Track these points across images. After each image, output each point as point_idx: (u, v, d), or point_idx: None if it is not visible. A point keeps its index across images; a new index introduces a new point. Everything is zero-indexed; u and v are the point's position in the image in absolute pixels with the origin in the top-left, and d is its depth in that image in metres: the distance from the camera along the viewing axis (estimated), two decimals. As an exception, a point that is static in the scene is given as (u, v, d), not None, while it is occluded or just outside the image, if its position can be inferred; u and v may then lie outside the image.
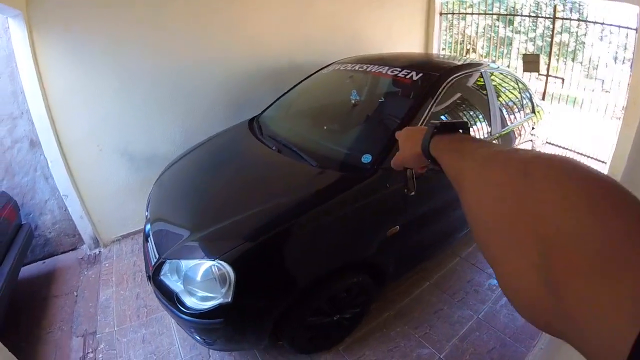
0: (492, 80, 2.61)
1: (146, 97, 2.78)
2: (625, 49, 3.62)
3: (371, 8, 3.89)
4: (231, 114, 3.05)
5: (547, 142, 4.32)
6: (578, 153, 4.22)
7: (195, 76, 2.93)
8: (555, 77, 4.14)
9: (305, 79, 2.68)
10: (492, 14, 4.49)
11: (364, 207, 1.65)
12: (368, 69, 2.40)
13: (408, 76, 2.13)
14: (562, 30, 4.04)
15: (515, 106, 2.91)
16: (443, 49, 4.85)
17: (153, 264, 1.65)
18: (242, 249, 1.47)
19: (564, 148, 4.39)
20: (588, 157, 4.16)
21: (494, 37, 5.11)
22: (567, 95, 4.25)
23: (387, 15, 4.09)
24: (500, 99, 2.71)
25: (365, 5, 3.85)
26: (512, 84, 3.00)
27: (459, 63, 2.34)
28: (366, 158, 1.75)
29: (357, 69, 2.44)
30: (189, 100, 2.97)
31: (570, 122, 4.25)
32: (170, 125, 2.96)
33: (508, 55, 5.19)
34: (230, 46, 3.04)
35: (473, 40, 5.26)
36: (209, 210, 1.79)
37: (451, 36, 4.98)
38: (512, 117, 2.76)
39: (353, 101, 2.24)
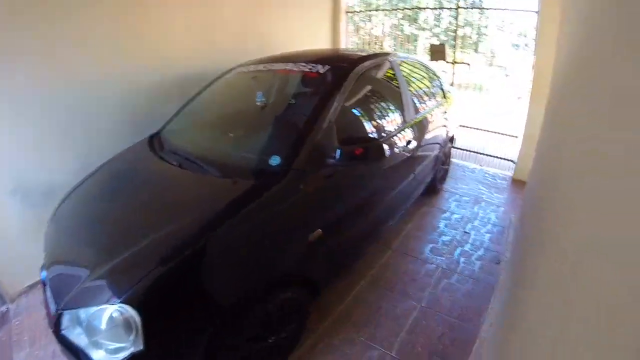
0: (402, 69, 2.64)
1: (38, 124, 2.37)
2: (525, 36, 3.93)
3: (276, 9, 3.84)
4: (138, 131, 2.72)
5: (460, 125, 4.61)
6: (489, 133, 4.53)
7: (93, 95, 2.56)
8: (462, 62, 4.41)
9: (207, 86, 2.49)
10: (397, 10, 4.68)
11: (278, 214, 1.49)
12: (273, 68, 2.28)
13: (314, 70, 2.04)
14: (464, 23, 4.30)
15: (426, 93, 3.00)
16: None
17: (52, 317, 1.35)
18: (146, 283, 1.23)
19: (476, 128, 4.69)
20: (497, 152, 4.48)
21: (400, 35, 5.35)
22: (474, 83, 4.55)
23: (293, 15, 4.07)
24: (412, 87, 2.76)
25: (270, 7, 3.77)
26: (422, 72, 3.09)
27: (367, 54, 2.32)
28: (274, 160, 1.61)
29: (261, 69, 2.31)
30: (89, 122, 2.59)
31: (478, 104, 4.56)
32: (68, 152, 2.56)
33: (415, 52, 5.47)
34: (130, 58, 2.72)
35: (381, 40, 5.51)
36: (108, 243, 1.51)
37: (359, 38, 5.13)
38: (424, 104, 2.82)
39: (259, 103, 2.09)
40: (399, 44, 5.23)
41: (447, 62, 4.41)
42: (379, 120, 2.14)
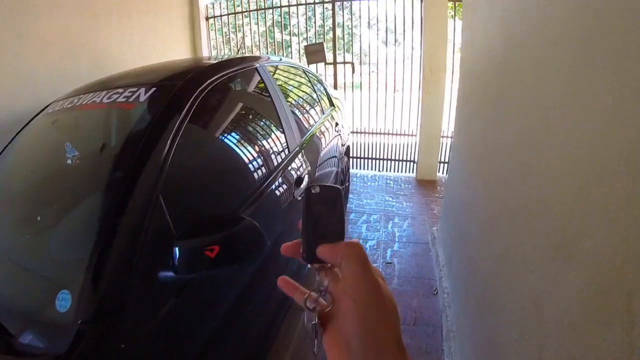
0: (276, 77, 1.98)
1: None
2: (393, 32, 3.79)
3: (115, 18, 2.89)
4: None
5: (352, 132, 4.23)
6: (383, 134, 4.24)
7: None
8: (345, 62, 4.00)
9: (9, 143, 1.43)
10: (261, 10, 4.03)
11: None
12: (79, 103, 1.35)
13: (132, 99, 1.21)
14: (334, 26, 3.92)
15: (310, 104, 2.40)
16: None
17: None
18: None
19: (370, 133, 4.37)
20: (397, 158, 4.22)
21: (271, 42, 4.78)
22: (352, 82, 4.20)
23: (139, 25, 3.13)
24: (291, 99, 2.12)
25: (107, 16, 2.80)
26: (301, 78, 2.48)
27: (217, 61, 1.57)
28: (63, 302, 0.74)
29: (70, 105, 1.36)
30: None
31: (363, 104, 4.22)
32: None
33: (289, 57, 5.01)
34: None
35: (252, 50, 4.87)
36: None
37: (230, 49, 4.41)
38: (310, 118, 2.22)
39: (70, 160, 1.16)
40: (272, 52, 4.63)
41: (328, 63, 3.95)
42: (249, 163, 1.37)
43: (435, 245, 2.46)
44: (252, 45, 4.68)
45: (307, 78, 2.53)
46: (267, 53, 4.62)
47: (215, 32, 4.20)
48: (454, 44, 3.73)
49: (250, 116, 1.59)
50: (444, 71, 3.60)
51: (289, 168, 1.59)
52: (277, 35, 5.78)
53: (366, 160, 4.27)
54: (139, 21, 3.16)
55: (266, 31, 4.66)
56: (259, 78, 1.70)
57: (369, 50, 4.20)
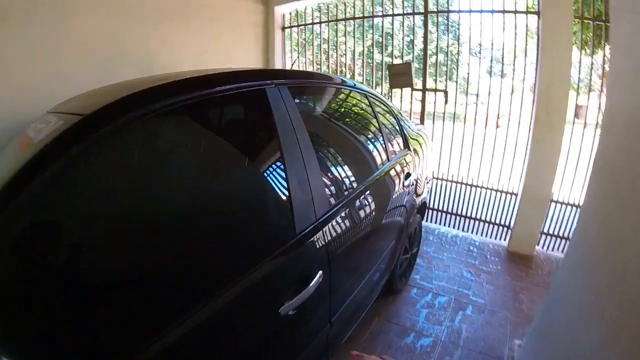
0: (309, 106, 1.46)
1: None
2: (500, 62, 3.03)
3: (170, 27, 2.67)
4: None
5: (435, 177, 3.41)
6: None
7: None
8: (437, 90, 3.25)
9: None
10: (348, 19, 3.51)
11: None
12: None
13: (41, 135, 0.79)
14: (437, 51, 3.22)
15: (366, 147, 1.76)
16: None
17: None
18: None
19: (457, 182, 3.48)
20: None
21: (369, 63, 4.20)
22: (445, 112, 3.42)
23: (200, 33, 2.92)
24: (327, 139, 1.52)
25: (160, 24, 2.59)
26: (362, 109, 1.89)
27: (196, 76, 0.99)
28: None
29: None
30: None
31: (455, 141, 3.40)
32: None
33: (387, 81, 4.39)
34: None
35: (350, 69, 4.38)
36: None
37: (327, 67, 4.02)
38: (363, 167, 1.62)
39: None
40: (369, 73, 4.06)
41: (415, 89, 3.28)
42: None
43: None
44: (350, 64, 4.16)
45: (370, 107, 1.91)
46: (363, 73, 4.11)
47: (291, 42, 3.84)
48: (578, 81, 2.81)
49: (227, 166, 1.01)
50: (564, 114, 2.64)
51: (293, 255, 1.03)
52: (377, 56, 5.20)
53: (448, 215, 3.44)
54: (200, 27, 2.90)
55: (365, 51, 4.17)
56: (265, 106, 1.09)
57: (468, 77, 3.43)
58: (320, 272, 1.10)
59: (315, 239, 1.12)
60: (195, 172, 0.92)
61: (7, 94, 1.83)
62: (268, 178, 1.06)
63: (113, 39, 2.30)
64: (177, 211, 0.84)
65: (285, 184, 1.06)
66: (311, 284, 1.04)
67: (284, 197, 1.06)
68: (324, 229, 1.16)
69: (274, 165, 1.08)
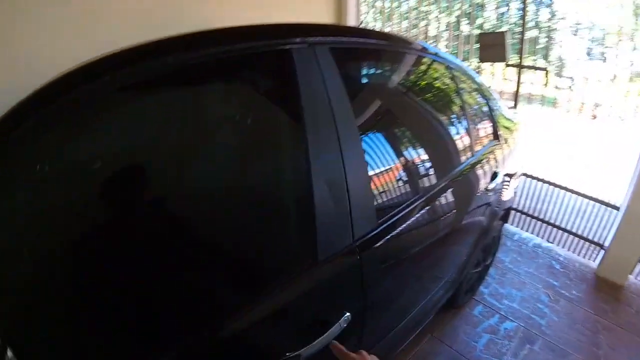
0: (370, 79, 1.13)
1: None
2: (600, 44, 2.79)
3: None
4: None
5: (523, 175, 2.82)
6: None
7: None
8: (536, 68, 2.65)
9: None
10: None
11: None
12: None
13: None
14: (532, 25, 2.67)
15: (442, 141, 1.36)
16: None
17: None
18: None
19: (547, 183, 2.89)
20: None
21: (456, 35, 3.66)
22: (542, 95, 2.85)
23: None
24: (390, 128, 1.17)
25: None
26: (443, 90, 1.48)
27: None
28: None
29: None
30: None
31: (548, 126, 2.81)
32: None
33: (475, 55, 3.79)
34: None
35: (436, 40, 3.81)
36: None
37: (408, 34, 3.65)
38: (437, 164, 1.22)
39: None
40: (455, 46, 3.54)
41: (509, 65, 2.71)
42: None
43: None
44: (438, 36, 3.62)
45: (453, 82, 1.48)
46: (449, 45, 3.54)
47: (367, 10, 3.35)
48: None
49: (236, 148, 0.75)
50: None
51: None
52: (464, 27, 4.51)
53: (532, 220, 2.90)
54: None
55: (453, 22, 3.61)
56: (286, 75, 0.76)
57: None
58: (348, 313, 0.81)
59: (346, 268, 0.83)
60: (169, 179, 0.66)
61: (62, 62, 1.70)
62: (272, 182, 0.77)
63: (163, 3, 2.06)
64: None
65: (304, 190, 0.75)
66: (331, 329, 0.76)
67: (300, 210, 0.77)
68: (363, 254, 0.85)
69: (288, 164, 0.78)
